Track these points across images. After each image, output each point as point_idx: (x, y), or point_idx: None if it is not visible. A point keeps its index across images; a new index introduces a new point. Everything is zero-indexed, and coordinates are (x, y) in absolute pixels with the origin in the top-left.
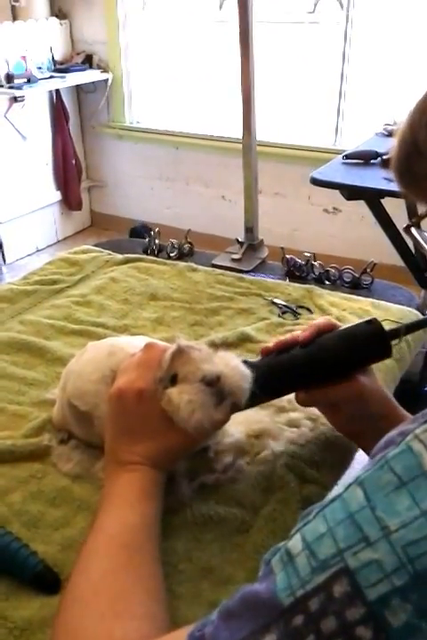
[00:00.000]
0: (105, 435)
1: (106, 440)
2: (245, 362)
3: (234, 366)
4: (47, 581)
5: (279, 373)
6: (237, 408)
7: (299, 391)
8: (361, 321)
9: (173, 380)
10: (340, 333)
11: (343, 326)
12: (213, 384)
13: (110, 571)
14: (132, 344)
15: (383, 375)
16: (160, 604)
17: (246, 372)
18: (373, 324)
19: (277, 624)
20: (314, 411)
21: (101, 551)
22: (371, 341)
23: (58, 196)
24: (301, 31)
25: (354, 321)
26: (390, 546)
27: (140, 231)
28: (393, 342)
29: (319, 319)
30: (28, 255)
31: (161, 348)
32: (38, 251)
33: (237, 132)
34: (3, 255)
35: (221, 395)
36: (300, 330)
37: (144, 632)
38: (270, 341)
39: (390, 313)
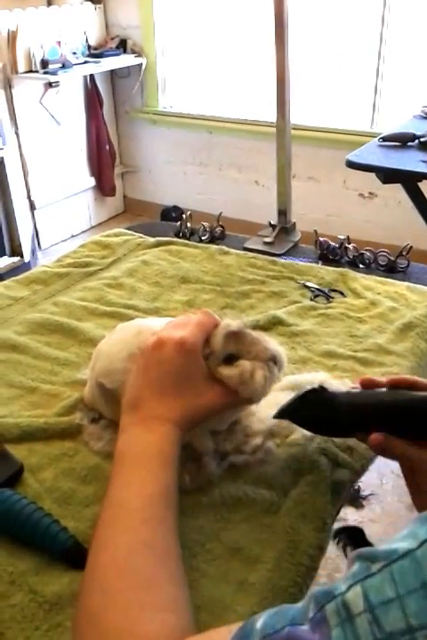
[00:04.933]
0: (126, 388)
1: (126, 392)
2: (324, 388)
3: (280, 348)
4: (77, 557)
5: (362, 407)
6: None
7: (377, 431)
8: None
9: (228, 359)
10: None
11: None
12: (276, 362)
13: (134, 550)
14: (160, 324)
15: None
16: (181, 587)
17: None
18: None
19: None
20: None
21: (123, 526)
22: None
23: (92, 181)
24: (337, 11)
25: (389, 305)
26: None
27: (171, 212)
28: None
29: (405, 376)
30: (63, 241)
31: (216, 319)
32: (72, 236)
33: (272, 116)
34: (38, 241)
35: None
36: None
37: (170, 624)
38: (356, 381)
39: None
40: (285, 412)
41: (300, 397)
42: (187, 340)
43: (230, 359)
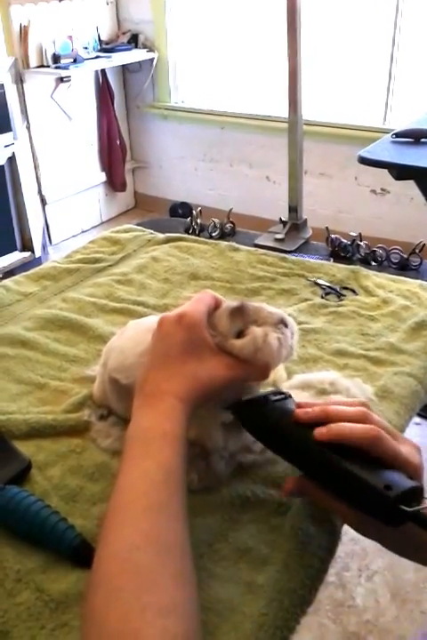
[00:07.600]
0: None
1: (139, 378)
2: (267, 399)
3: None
4: (84, 555)
5: (278, 438)
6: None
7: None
8: (381, 482)
9: (239, 335)
10: (358, 476)
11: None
12: (286, 325)
13: (135, 544)
14: None
15: None
16: (187, 585)
17: None
18: (389, 497)
19: None
20: (356, 394)
21: (125, 515)
22: (379, 509)
23: (102, 177)
24: (350, 5)
25: (401, 303)
26: None
27: (178, 208)
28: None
29: (369, 428)
30: (73, 236)
31: (216, 296)
32: (83, 232)
33: (284, 112)
34: (48, 236)
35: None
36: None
37: (172, 631)
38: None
39: None
40: (230, 407)
41: (244, 401)
42: (186, 312)
43: (240, 336)
